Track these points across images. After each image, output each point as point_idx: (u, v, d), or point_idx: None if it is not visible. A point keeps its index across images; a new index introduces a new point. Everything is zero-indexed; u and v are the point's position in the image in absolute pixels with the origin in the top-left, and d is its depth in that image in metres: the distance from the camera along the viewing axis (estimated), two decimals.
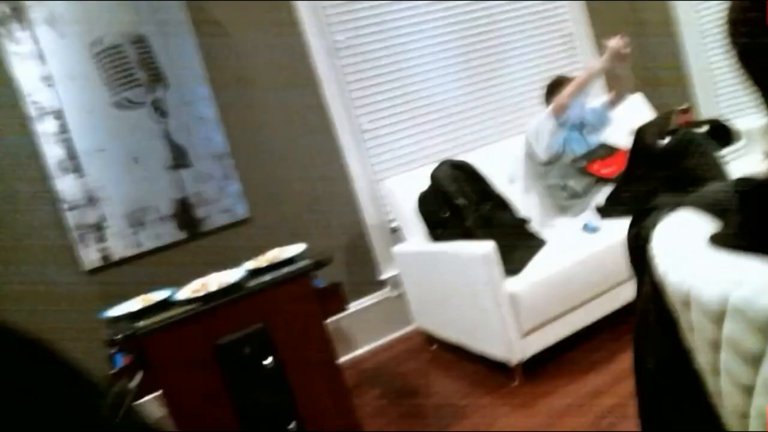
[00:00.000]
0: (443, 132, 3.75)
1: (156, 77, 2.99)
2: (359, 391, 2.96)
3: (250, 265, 2.55)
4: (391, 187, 3.24)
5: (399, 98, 3.63)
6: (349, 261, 3.41)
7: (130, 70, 2.95)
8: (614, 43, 3.14)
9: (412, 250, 3.16)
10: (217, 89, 3.14)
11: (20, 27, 2.77)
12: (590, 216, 3.16)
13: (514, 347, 2.59)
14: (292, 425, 2.37)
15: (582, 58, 4.17)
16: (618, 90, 3.49)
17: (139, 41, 2.97)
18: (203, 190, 3.06)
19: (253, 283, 2.39)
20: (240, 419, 2.30)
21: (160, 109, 2.99)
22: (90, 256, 2.89)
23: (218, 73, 3.16)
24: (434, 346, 3.25)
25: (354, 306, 3.43)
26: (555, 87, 3.43)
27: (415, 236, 3.16)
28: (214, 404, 2.27)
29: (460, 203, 2.90)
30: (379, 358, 3.36)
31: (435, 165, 3.07)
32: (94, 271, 2.92)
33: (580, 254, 2.75)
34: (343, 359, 3.40)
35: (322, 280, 2.59)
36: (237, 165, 3.15)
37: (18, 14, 2.76)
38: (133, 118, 2.95)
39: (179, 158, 3.01)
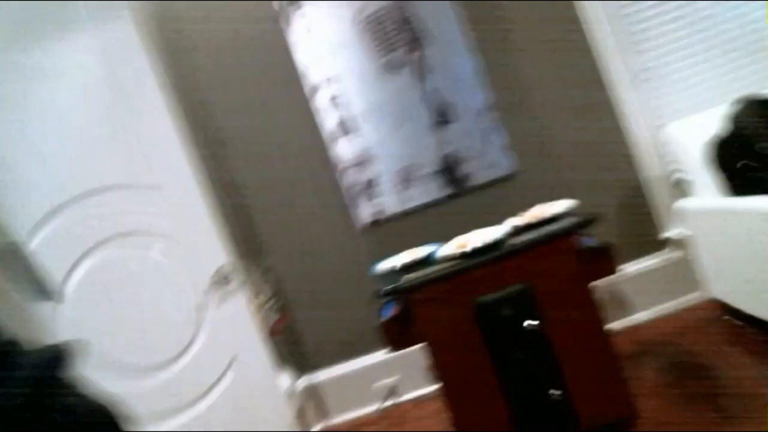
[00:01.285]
0: (741, 64, 3.10)
1: (416, 38, 3.03)
2: (633, 364, 2.68)
3: (514, 221, 2.45)
4: (675, 133, 2.80)
5: (687, 28, 3.10)
6: (624, 219, 3.08)
7: (392, 34, 3.03)
8: None
9: (703, 207, 2.71)
10: (478, 43, 3.05)
11: (294, 8, 3.04)
12: None
13: None
14: (555, 391, 2.26)
15: None
16: None
17: (398, 6, 3.03)
18: (467, 145, 3.03)
19: (516, 240, 2.29)
20: (500, 378, 2.26)
21: (422, 69, 3.03)
22: (366, 211, 3.10)
23: (477, 27, 3.06)
24: (726, 317, 2.78)
25: (630, 268, 3.10)
26: None
27: (706, 190, 2.70)
28: (474, 361, 2.26)
29: None
30: (658, 327, 3.01)
31: (732, 104, 2.56)
32: (369, 226, 3.13)
33: None
34: (616, 326, 3.12)
35: (592, 239, 2.37)
36: (501, 119, 3.05)
37: None
38: (397, 79, 3.04)
39: (443, 115, 3.03)
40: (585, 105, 3.09)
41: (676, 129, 2.81)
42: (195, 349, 2.41)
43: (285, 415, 2.60)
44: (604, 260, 2.29)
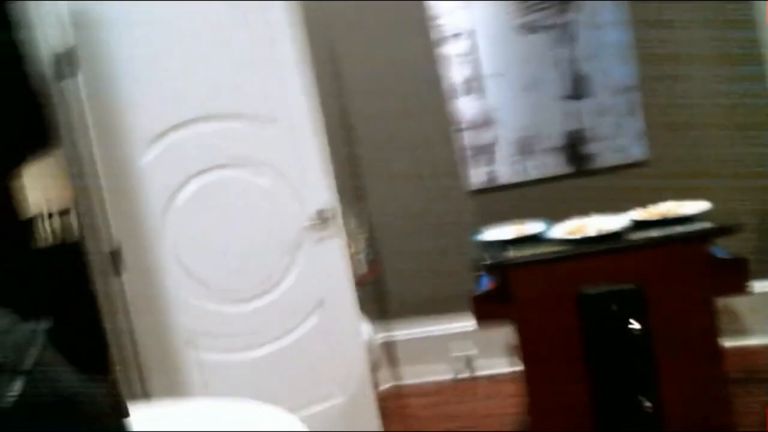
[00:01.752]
0: None
1: (564, 1, 2.79)
2: (742, 388, 2.43)
3: (637, 214, 2.25)
4: None
5: None
6: (762, 231, 2.76)
7: None
8: None
9: None
10: (631, 14, 2.77)
11: None
12: None
13: None
14: (648, 404, 2.09)
15: None
16: None
17: None
18: (599, 124, 2.81)
19: (636, 236, 2.11)
20: (591, 377, 2.12)
21: (567, 33, 2.80)
22: (477, 176, 2.98)
23: None
24: None
25: (758, 287, 2.80)
26: None
27: None
28: (566, 353, 2.13)
29: None
30: None
31: None
32: (478, 192, 3.01)
33: None
34: (729, 344, 2.85)
35: (722, 249, 2.14)
36: (642, 101, 2.78)
37: None
38: (537, 42, 2.84)
39: (578, 88, 2.81)
40: (741, 98, 2.76)
41: None
42: (285, 286, 2.42)
43: (362, 365, 2.59)
44: (735, 275, 2.06)
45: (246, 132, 2.36)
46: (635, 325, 2.06)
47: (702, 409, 2.09)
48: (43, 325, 0.48)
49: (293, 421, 0.72)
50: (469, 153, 2.97)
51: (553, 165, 2.88)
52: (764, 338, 2.85)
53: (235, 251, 2.33)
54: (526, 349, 2.20)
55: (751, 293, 2.10)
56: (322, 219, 2.46)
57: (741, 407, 2.20)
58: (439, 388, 3.11)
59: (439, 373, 3.18)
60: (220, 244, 2.32)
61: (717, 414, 2.08)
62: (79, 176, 2.24)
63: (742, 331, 2.85)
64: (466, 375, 3.14)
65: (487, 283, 2.36)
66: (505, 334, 2.97)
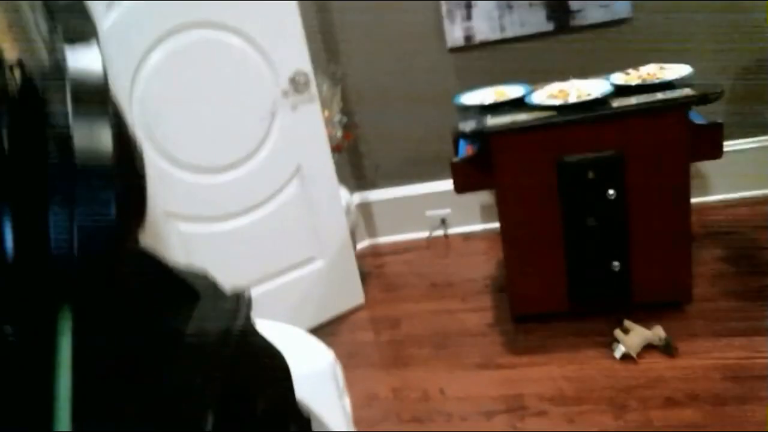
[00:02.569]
0: None
1: None
2: (698, 245, 2.59)
3: (619, 78, 2.22)
4: None
5: None
6: (736, 93, 2.77)
7: None
8: None
9: None
10: None
11: None
12: None
13: None
14: (616, 261, 2.21)
15: None
16: None
17: None
18: None
19: (617, 102, 2.09)
20: (565, 241, 2.22)
21: None
22: (454, 33, 2.84)
23: None
24: None
25: (727, 146, 2.87)
26: None
27: None
28: (543, 218, 2.20)
29: None
30: (735, 212, 2.86)
31: None
32: (456, 50, 2.89)
33: None
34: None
35: (698, 114, 2.15)
36: None
37: None
38: None
39: None
40: None
41: None
42: (263, 154, 2.37)
43: (342, 230, 2.64)
44: (711, 142, 2.10)
45: None
46: (611, 192, 2.11)
47: (665, 267, 2.22)
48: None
49: (322, 349, 0.72)
50: (446, 9, 2.80)
51: (534, 22, 2.75)
52: (724, 194, 2.97)
53: (209, 120, 2.24)
54: (505, 214, 2.25)
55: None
56: (296, 84, 2.36)
57: (696, 266, 2.35)
58: (415, 246, 3.22)
59: (414, 231, 3.27)
60: (193, 112, 2.22)
61: (678, 271, 2.22)
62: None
63: (703, 188, 2.96)
64: (440, 233, 3.24)
65: (466, 149, 2.35)
66: (479, 194, 3.05)
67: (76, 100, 0.28)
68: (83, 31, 0.31)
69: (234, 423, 0.41)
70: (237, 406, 0.41)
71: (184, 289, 0.43)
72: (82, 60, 0.29)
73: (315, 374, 0.61)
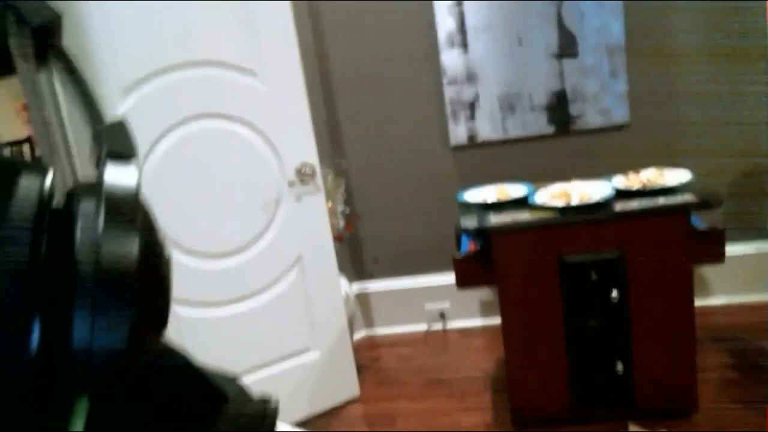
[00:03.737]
0: None
1: None
2: (702, 350, 2.54)
3: (620, 182, 2.26)
4: None
5: None
6: (736, 196, 2.81)
7: None
8: None
9: None
10: None
11: None
12: None
13: None
14: (619, 365, 2.17)
15: None
16: None
17: None
18: (584, 84, 2.77)
19: (619, 205, 2.12)
20: (567, 341, 2.18)
21: None
22: (458, 133, 2.93)
23: None
24: None
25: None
26: None
27: None
28: (545, 317, 2.18)
29: None
30: (738, 317, 2.83)
31: None
32: (459, 148, 2.96)
33: None
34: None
35: (699, 220, 2.18)
36: (628, 62, 2.74)
37: None
38: None
39: (566, 46, 2.74)
40: (734, 56, 2.72)
41: None
42: (265, 242, 2.37)
43: (340, 320, 2.60)
44: (713, 246, 2.11)
45: (225, 82, 2.25)
46: (614, 293, 2.10)
47: (669, 373, 2.18)
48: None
49: None
50: (450, 109, 2.90)
51: (535, 124, 2.85)
52: (725, 298, 2.96)
53: (214, 207, 2.26)
54: (507, 312, 2.23)
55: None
56: (302, 175, 2.40)
57: (701, 366, 2.30)
58: (412, 339, 3.17)
59: (412, 324, 3.23)
60: (198, 203, 2.24)
61: (683, 377, 2.17)
62: (38, 110, 2.10)
63: (704, 292, 2.95)
64: (439, 328, 3.19)
65: (468, 245, 2.36)
66: (479, 289, 3.03)
67: (108, 212, 0.31)
68: (124, 149, 0.34)
69: None
70: None
71: (212, 391, 0.44)
72: (119, 175, 0.32)
73: None
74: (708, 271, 2.90)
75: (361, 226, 3.14)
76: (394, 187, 3.05)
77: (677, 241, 2.07)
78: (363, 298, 3.25)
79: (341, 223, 2.82)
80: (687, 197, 2.08)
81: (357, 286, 3.22)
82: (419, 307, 3.18)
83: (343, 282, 2.78)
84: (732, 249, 2.76)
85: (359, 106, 3.01)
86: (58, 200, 0.32)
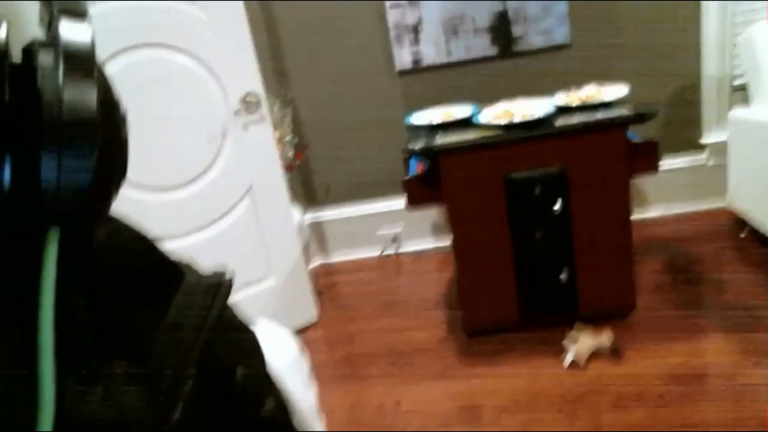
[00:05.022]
0: None
1: None
2: (640, 258, 2.71)
3: (561, 99, 2.33)
4: (757, 35, 2.58)
5: None
6: (669, 114, 2.94)
7: None
8: None
9: (756, 119, 2.58)
10: None
11: None
12: None
13: None
14: (563, 274, 2.29)
15: None
16: None
17: None
18: (525, 5, 2.79)
19: (560, 121, 2.19)
20: (514, 254, 2.28)
21: None
22: (403, 57, 2.92)
23: None
24: (744, 233, 2.77)
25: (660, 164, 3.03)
26: None
27: (766, 103, 2.56)
28: (492, 233, 2.26)
29: None
30: (672, 227, 3.01)
31: None
32: (404, 73, 2.97)
33: None
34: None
35: (634, 134, 2.27)
36: None
37: None
38: None
39: None
40: None
41: (760, 31, 2.57)
42: (213, 173, 2.36)
43: (295, 247, 2.64)
44: (648, 158, 2.22)
45: (163, 11, 2.17)
46: (557, 206, 2.20)
47: (609, 278, 2.31)
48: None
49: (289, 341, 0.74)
50: (394, 33, 2.89)
51: (478, 47, 2.86)
52: (661, 210, 3.12)
53: (159, 139, 2.23)
54: (456, 230, 2.31)
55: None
56: (247, 104, 2.37)
57: (637, 276, 2.47)
58: (367, 265, 3.24)
59: (366, 250, 3.30)
60: (142, 131, 2.19)
61: (622, 281, 2.32)
62: None
63: (645, 206, 3.11)
64: (392, 252, 3.27)
65: (416, 167, 2.41)
66: (430, 213, 3.11)
67: (67, 63, 0.32)
68: (76, 9, 0.35)
69: (214, 391, 0.43)
70: (216, 375, 0.43)
71: (169, 266, 0.46)
72: (74, 31, 0.33)
73: (280, 365, 0.62)
74: (646, 185, 3.05)
75: (311, 155, 3.15)
76: (342, 114, 3.05)
77: (615, 153, 2.16)
78: (317, 226, 3.29)
79: (290, 152, 2.82)
80: (625, 112, 2.16)
81: (311, 215, 3.25)
82: (373, 233, 3.25)
83: (296, 210, 2.80)
84: (668, 162, 2.93)
85: (303, 35, 2.96)
86: (15, 55, 0.33)
